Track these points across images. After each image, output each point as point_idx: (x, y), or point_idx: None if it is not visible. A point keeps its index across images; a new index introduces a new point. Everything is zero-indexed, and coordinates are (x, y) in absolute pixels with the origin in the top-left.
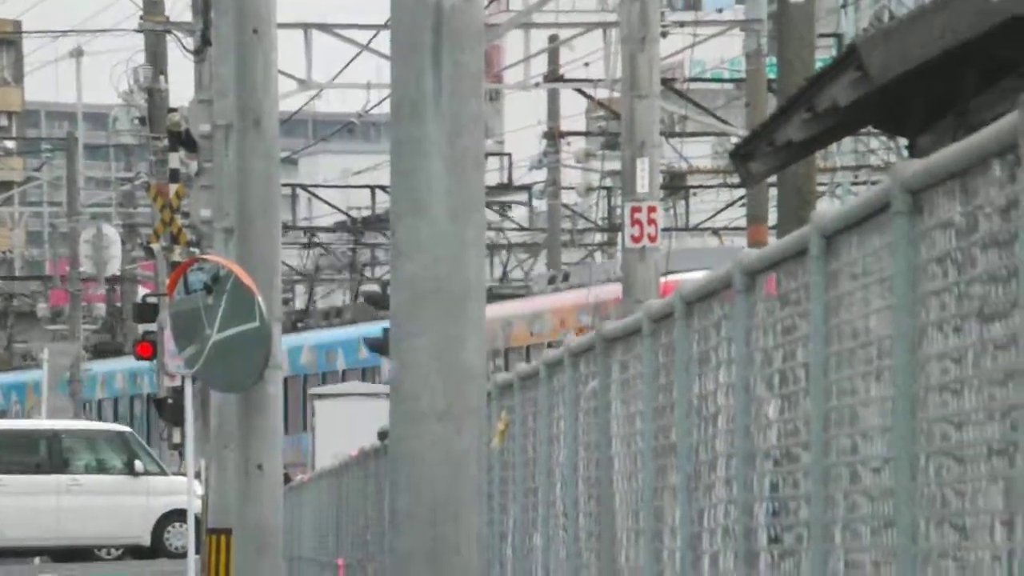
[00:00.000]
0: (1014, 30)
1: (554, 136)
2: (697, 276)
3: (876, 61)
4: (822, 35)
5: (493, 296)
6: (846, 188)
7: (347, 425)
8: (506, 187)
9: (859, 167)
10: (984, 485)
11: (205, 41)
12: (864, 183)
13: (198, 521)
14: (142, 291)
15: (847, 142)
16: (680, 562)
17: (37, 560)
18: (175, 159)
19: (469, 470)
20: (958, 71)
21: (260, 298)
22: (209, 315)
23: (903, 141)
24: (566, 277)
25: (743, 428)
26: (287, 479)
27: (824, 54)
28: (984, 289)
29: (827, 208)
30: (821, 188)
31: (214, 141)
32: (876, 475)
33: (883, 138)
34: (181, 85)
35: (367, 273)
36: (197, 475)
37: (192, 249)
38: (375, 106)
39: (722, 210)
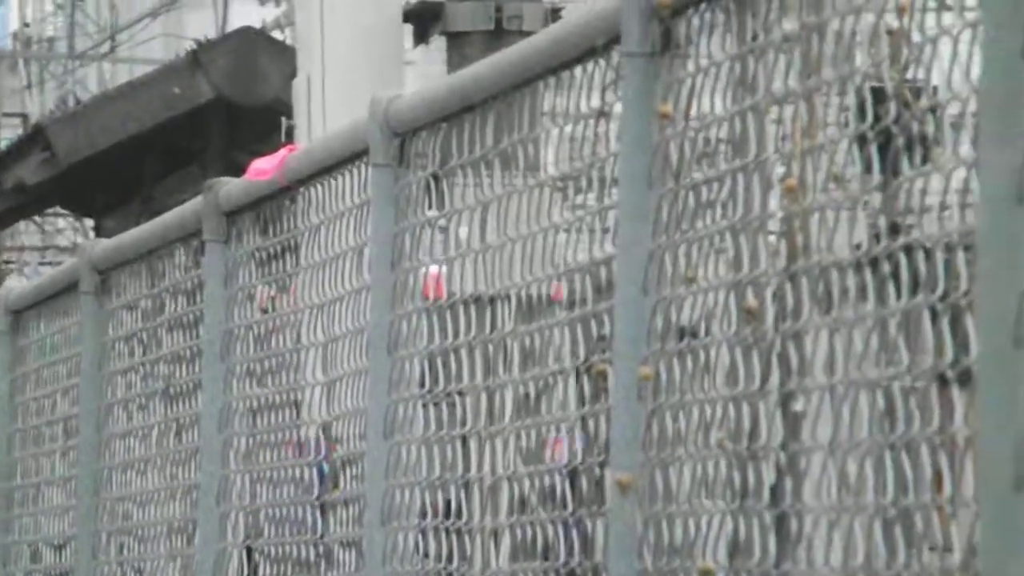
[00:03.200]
0: (196, 119)
1: None
2: None
3: (63, 143)
4: (7, 114)
5: None
6: (35, 268)
7: None
8: None
9: (47, 247)
10: (163, 563)
11: None
12: (51, 263)
13: None
14: None
15: (35, 221)
16: None
17: None
18: None
19: None
20: (142, 156)
21: None
22: None
23: (90, 222)
24: None
25: None
26: None
27: (11, 133)
28: (170, 369)
29: (15, 284)
30: (9, 266)
31: None
32: (58, 554)
33: (71, 219)
34: None
35: None
36: None
37: None
38: None
39: None
